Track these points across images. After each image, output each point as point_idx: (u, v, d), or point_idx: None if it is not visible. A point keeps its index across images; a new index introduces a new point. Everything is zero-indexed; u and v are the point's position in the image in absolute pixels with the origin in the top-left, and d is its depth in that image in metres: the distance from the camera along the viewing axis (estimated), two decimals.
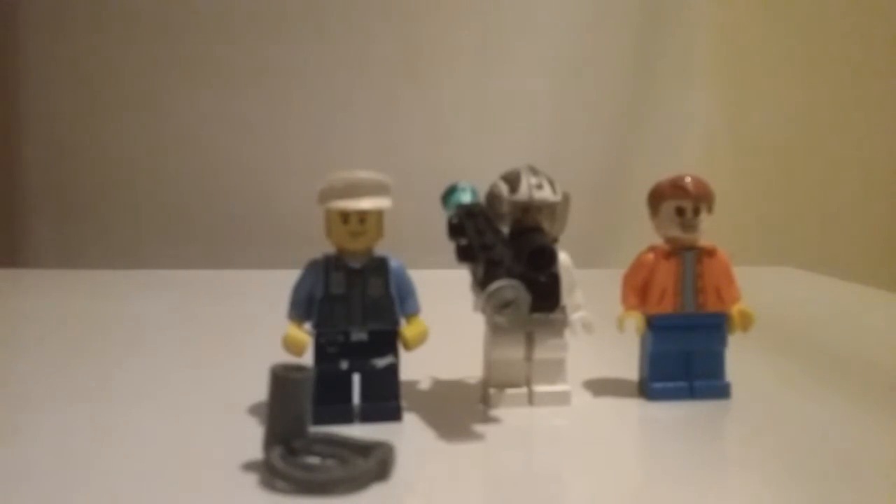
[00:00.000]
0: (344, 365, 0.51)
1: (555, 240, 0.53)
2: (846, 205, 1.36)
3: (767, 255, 1.25)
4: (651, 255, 0.56)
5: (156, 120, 1.27)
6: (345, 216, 0.50)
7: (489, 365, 0.55)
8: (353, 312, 0.51)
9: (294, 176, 1.10)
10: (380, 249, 0.52)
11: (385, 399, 0.52)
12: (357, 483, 0.41)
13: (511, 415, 0.53)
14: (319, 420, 0.49)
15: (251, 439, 0.44)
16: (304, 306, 0.51)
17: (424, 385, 0.60)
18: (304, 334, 0.50)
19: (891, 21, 1.36)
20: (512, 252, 0.49)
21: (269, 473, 0.41)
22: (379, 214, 0.51)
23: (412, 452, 0.45)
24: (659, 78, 1.32)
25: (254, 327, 0.70)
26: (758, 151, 1.35)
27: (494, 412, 0.54)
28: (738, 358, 0.57)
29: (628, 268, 0.57)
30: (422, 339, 0.52)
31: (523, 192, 0.53)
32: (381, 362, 0.51)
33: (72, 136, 1.27)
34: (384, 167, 0.52)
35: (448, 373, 0.61)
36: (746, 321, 0.56)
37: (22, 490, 0.41)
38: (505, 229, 0.52)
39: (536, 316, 0.52)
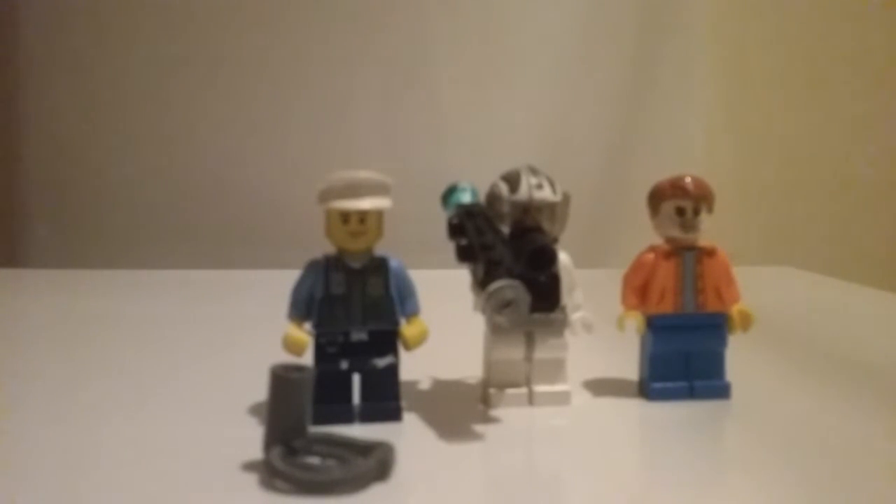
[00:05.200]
0: (344, 365, 0.51)
1: (555, 240, 0.53)
2: (847, 205, 1.36)
3: (767, 255, 1.25)
4: (651, 255, 0.56)
5: (156, 120, 1.27)
6: (345, 216, 0.50)
7: (489, 365, 0.55)
8: (353, 312, 0.51)
9: (294, 176, 1.09)
10: (380, 249, 0.52)
11: (385, 399, 0.52)
12: (357, 483, 0.41)
13: (511, 415, 0.53)
14: (319, 420, 0.49)
15: (251, 439, 0.44)
16: (304, 306, 0.51)
17: (424, 385, 0.60)
18: (304, 334, 0.50)
19: (892, 20, 1.36)
20: (512, 252, 0.49)
21: (269, 473, 0.41)
22: (379, 214, 0.51)
23: (412, 452, 0.45)
24: (659, 78, 1.32)
25: (254, 327, 0.70)
26: (758, 151, 1.35)
27: (494, 412, 0.54)
28: (738, 358, 0.57)
29: (628, 268, 0.57)
30: (422, 339, 0.52)
31: (523, 192, 0.53)
32: (381, 362, 0.51)
33: (72, 136, 1.27)
34: (384, 167, 0.52)
35: (448, 373, 0.61)
36: (746, 321, 0.56)
37: (22, 490, 0.41)
38: (505, 229, 0.52)
39: (536, 316, 0.52)
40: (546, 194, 0.53)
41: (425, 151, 1.25)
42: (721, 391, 0.57)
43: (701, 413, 0.54)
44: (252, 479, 0.42)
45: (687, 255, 0.56)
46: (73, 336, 0.77)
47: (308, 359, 0.50)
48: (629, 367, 0.59)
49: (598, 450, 0.48)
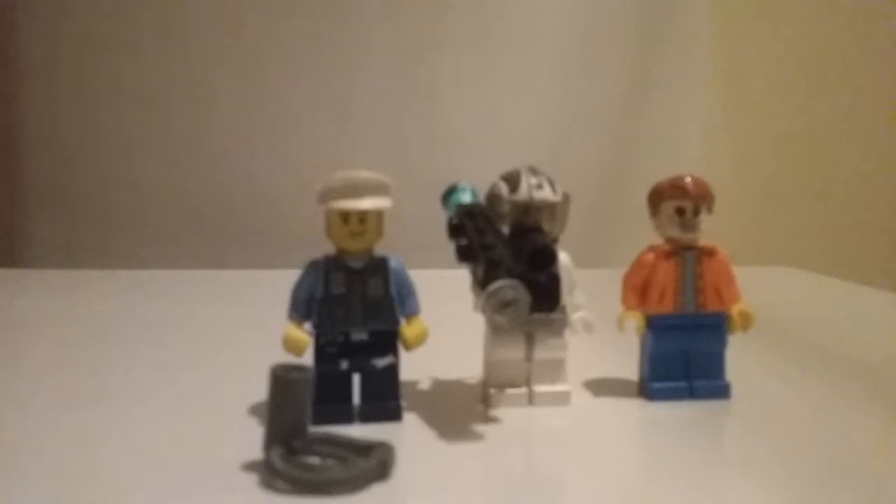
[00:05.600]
0: (344, 365, 0.51)
1: (555, 240, 0.53)
2: (846, 205, 1.36)
3: (767, 255, 1.25)
4: (651, 255, 0.56)
5: (156, 120, 1.27)
6: (345, 216, 0.50)
7: (489, 365, 0.55)
8: (353, 312, 0.51)
9: (294, 176, 1.10)
10: (380, 249, 0.52)
11: (385, 399, 0.52)
12: (357, 483, 0.41)
13: (511, 415, 0.53)
14: (319, 420, 0.49)
15: (251, 439, 0.44)
16: (305, 306, 0.51)
17: (424, 385, 0.60)
18: (304, 334, 0.50)
19: (890, 20, 1.36)
20: (512, 252, 0.49)
21: (269, 473, 0.41)
22: (379, 214, 0.51)
23: (412, 452, 0.45)
24: (659, 78, 1.32)
25: (254, 327, 0.70)
26: (758, 151, 1.35)
27: (494, 412, 0.54)
28: (738, 358, 0.57)
29: (628, 268, 0.57)
30: (422, 339, 0.52)
31: (523, 192, 0.53)
32: (381, 362, 0.51)
33: (72, 137, 1.27)
34: (384, 167, 0.52)
35: (448, 373, 0.61)
36: (746, 321, 0.56)
37: (21, 490, 0.41)
38: (505, 229, 0.52)
39: (536, 316, 0.52)
40: (546, 194, 0.53)
41: (425, 151, 1.25)
42: (721, 391, 0.57)
43: (701, 413, 0.54)
44: (252, 479, 0.42)
45: (687, 255, 0.56)
46: (73, 336, 0.77)
47: (308, 359, 0.50)
48: (629, 367, 0.59)
49: (598, 450, 0.48)
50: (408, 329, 0.52)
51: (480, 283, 0.48)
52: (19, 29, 1.26)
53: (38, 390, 0.59)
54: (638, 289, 0.56)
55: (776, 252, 1.28)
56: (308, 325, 0.51)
